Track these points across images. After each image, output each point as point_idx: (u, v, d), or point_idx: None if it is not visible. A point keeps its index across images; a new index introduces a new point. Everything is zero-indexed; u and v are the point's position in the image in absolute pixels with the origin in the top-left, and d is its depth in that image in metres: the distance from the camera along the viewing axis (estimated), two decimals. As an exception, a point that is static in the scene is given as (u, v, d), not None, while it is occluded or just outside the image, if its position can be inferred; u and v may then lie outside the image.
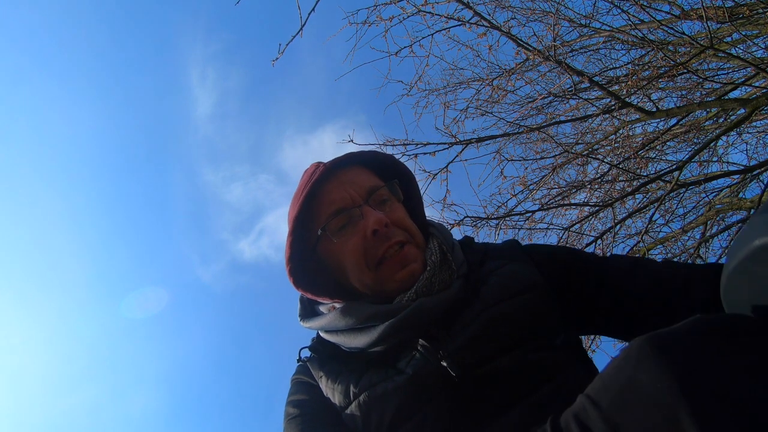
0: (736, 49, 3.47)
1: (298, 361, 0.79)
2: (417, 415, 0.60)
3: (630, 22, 3.22)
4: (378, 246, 0.69)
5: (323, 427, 0.66)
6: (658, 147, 3.92)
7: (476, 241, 0.86)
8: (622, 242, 3.75)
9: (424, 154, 3.25)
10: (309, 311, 0.79)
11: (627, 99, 3.13)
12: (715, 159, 4.07)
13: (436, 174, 3.27)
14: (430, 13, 3.10)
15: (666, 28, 3.07)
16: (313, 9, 2.48)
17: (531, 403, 0.58)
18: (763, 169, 3.31)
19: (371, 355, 0.68)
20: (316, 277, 0.77)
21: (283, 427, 0.71)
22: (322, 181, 0.73)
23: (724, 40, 3.48)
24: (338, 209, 0.72)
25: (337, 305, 0.72)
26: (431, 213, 3.53)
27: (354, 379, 0.66)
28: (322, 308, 0.77)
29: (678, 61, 3.12)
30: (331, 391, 0.68)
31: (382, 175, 0.80)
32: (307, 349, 0.78)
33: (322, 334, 0.76)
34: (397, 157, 0.87)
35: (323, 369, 0.71)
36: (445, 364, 0.61)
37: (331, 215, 0.72)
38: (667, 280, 0.66)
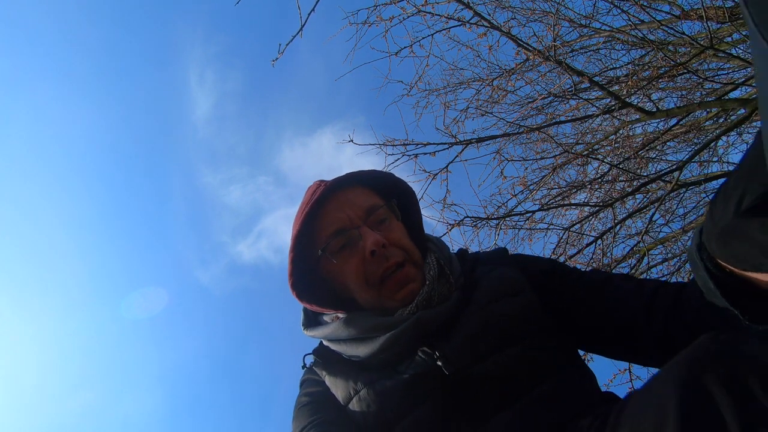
0: (737, 49, 3.47)
1: (303, 367, 0.82)
2: (414, 413, 0.62)
3: (630, 22, 3.22)
4: (377, 266, 0.72)
5: (333, 412, 0.69)
6: (658, 147, 3.92)
7: (474, 245, 0.89)
8: (622, 242, 3.76)
9: (424, 154, 3.25)
10: (312, 320, 0.82)
11: (627, 99, 3.13)
12: (715, 159, 4.08)
13: (436, 174, 3.27)
14: (430, 13, 3.10)
15: (666, 29, 3.07)
16: (313, 9, 2.48)
17: (525, 404, 0.60)
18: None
19: (373, 362, 0.70)
20: (318, 290, 0.79)
21: (293, 416, 0.73)
22: (323, 201, 0.76)
23: (724, 40, 3.48)
24: (337, 230, 0.74)
25: (341, 315, 0.75)
26: (431, 213, 3.53)
27: (354, 375, 0.69)
28: (325, 317, 0.80)
29: (678, 61, 3.12)
30: (334, 387, 0.71)
31: (382, 194, 0.82)
32: (310, 356, 0.81)
33: (325, 343, 0.79)
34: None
35: (326, 369, 0.74)
36: (440, 363, 0.63)
37: (331, 236, 0.74)
38: (633, 299, 0.67)
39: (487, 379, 0.61)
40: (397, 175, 0.85)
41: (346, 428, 0.67)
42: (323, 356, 0.77)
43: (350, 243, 0.74)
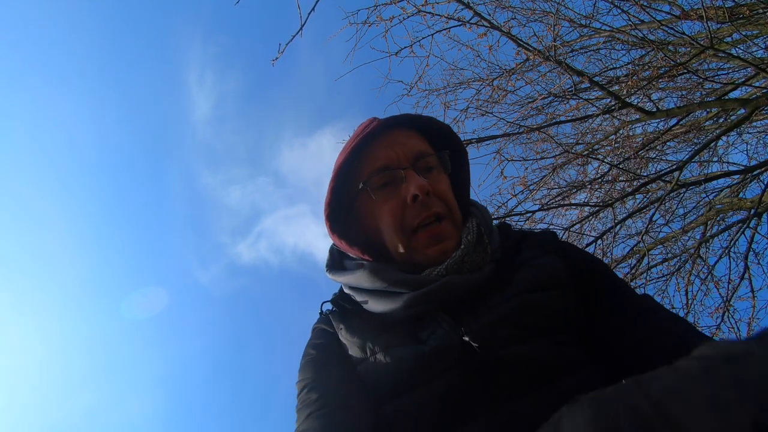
0: (736, 49, 3.48)
1: (321, 314, 0.79)
2: (428, 386, 0.60)
3: (630, 22, 3.22)
4: (416, 213, 0.69)
5: (339, 369, 0.67)
6: (658, 147, 3.92)
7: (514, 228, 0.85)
8: (622, 242, 3.76)
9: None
10: (338, 263, 0.80)
11: (627, 99, 3.13)
12: (715, 159, 4.08)
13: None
14: (430, 13, 3.10)
15: (666, 28, 3.07)
16: (312, 9, 2.48)
17: (544, 395, 0.57)
18: (763, 169, 3.31)
19: (392, 320, 0.67)
20: (350, 229, 0.77)
21: (299, 366, 0.72)
22: (373, 137, 0.73)
23: (724, 40, 3.48)
24: (383, 166, 0.72)
25: (366, 263, 0.72)
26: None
27: (372, 336, 0.66)
28: (350, 263, 0.77)
29: (678, 61, 3.13)
30: (348, 343, 0.68)
31: (434, 144, 0.79)
32: (328, 303, 0.78)
33: (345, 290, 0.76)
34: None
35: (343, 322, 0.72)
36: (467, 338, 0.60)
37: (375, 172, 0.72)
38: (662, 337, 0.61)
39: (510, 365, 0.59)
40: (453, 130, 0.81)
41: (353, 389, 0.64)
42: (342, 307, 0.75)
43: (393, 183, 0.71)
